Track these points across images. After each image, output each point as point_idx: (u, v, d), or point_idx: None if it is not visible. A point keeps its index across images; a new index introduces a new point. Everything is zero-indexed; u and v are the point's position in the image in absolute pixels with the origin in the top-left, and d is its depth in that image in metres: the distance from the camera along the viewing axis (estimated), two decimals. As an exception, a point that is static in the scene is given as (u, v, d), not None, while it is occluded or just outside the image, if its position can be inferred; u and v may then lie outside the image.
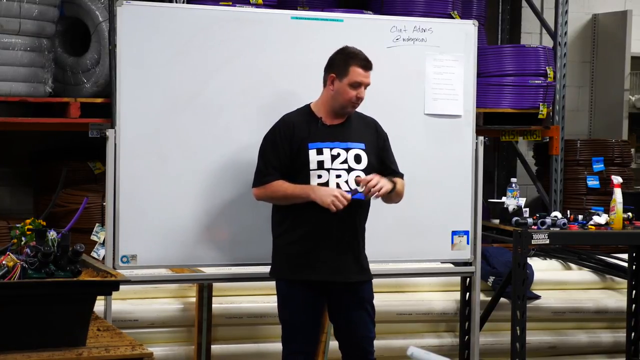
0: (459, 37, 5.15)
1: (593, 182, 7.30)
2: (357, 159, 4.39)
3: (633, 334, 6.08)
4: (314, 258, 4.35)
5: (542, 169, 7.62)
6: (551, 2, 7.49)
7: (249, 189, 4.76)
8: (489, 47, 7.14)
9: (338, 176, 4.34)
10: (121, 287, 3.23)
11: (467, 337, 5.52)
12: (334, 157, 4.36)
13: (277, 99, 4.85)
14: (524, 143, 7.95)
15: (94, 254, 5.52)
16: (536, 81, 6.86)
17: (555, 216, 5.41)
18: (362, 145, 4.41)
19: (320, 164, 4.35)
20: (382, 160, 4.49)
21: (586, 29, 8.38)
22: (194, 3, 5.81)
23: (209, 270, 4.97)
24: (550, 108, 7.02)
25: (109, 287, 3.30)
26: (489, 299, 5.89)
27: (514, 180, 5.57)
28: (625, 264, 6.23)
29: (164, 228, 4.72)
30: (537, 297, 6.10)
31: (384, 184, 4.29)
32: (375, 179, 4.27)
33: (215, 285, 5.37)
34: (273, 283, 5.63)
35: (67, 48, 5.93)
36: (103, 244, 5.09)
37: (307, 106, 4.48)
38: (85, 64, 5.74)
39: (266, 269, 5.03)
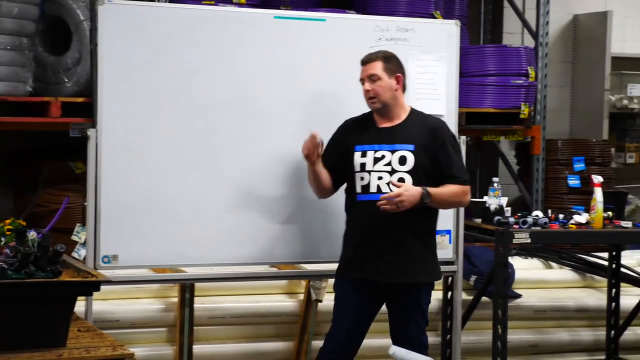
0: (441, 37, 5.16)
1: (574, 182, 7.33)
2: (402, 160, 4.42)
3: (613, 332, 6.11)
4: (357, 257, 4.47)
5: (524, 168, 7.65)
6: (533, 3, 7.52)
7: (232, 188, 4.77)
8: (471, 47, 7.16)
9: (380, 178, 4.42)
10: (102, 287, 3.22)
11: (449, 335, 5.54)
12: (377, 160, 4.44)
13: (260, 99, 4.85)
14: (506, 143, 7.98)
15: (74, 254, 5.48)
16: (518, 81, 6.88)
17: (537, 215, 5.43)
18: (411, 147, 4.43)
19: (363, 166, 4.46)
20: (439, 163, 4.46)
21: (567, 30, 8.42)
22: (176, 2, 5.79)
23: (190, 270, 4.96)
24: (532, 108, 7.05)
25: (90, 287, 3.28)
26: (471, 297, 5.91)
27: (495, 179, 5.58)
28: (606, 263, 6.27)
29: (146, 228, 4.70)
30: (519, 295, 6.12)
31: (402, 200, 4.27)
32: (396, 197, 4.28)
33: (197, 285, 5.36)
34: (255, 283, 5.67)
35: (48, 47, 5.90)
36: (84, 244, 5.07)
37: (370, 111, 4.57)
38: (67, 63, 5.70)
39: (250, 269, 5.05)
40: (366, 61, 4.49)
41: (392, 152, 4.43)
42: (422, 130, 4.48)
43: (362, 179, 4.46)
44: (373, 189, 4.42)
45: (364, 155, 4.46)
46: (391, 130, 4.48)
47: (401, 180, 4.38)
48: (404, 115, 4.52)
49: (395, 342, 4.55)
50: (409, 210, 4.33)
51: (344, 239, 4.60)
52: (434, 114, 5.20)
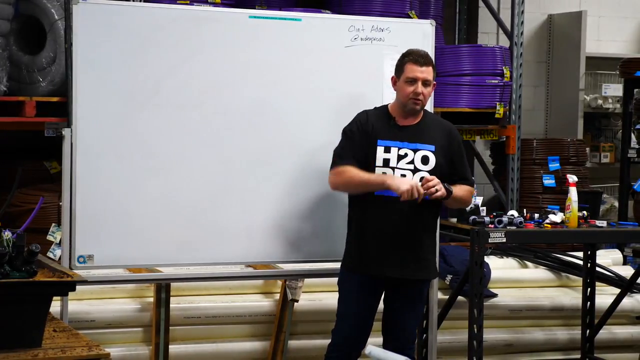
0: (416, 36, 5.17)
1: (549, 181, 7.37)
2: (424, 160, 4.52)
3: (588, 331, 6.14)
4: (374, 253, 4.51)
5: (499, 168, 7.68)
6: (507, 3, 7.55)
7: (207, 188, 4.77)
8: (446, 46, 7.18)
9: (403, 175, 4.49)
10: (78, 287, 3.20)
11: (425, 335, 5.55)
12: (400, 157, 4.51)
13: (235, 99, 4.84)
14: (481, 142, 8.01)
15: (50, 255, 5.46)
16: (493, 81, 6.90)
17: (512, 215, 5.45)
18: (432, 147, 4.53)
19: (386, 162, 4.50)
20: (454, 165, 4.59)
21: (542, 29, 8.46)
22: (151, 2, 5.77)
23: (166, 270, 4.95)
24: (507, 107, 7.08)
25: (65, 287, 3.27)
26: (447, 297, 5.93)
27: (471, 179, 5.60)
28: (581, 262, 6.30)
29: (121, 228, 4.69)
30: (494, 295, 6.14)
31: (440, 188, 4.41)
32: (434, 181, 4.40)
33: (173, 285, 5.35)
34: (231, 283, 5.66)
35: (23, 46, 5.86)
36: (59, 244, 5.05)
37: (385, 106, 4.64)
38: (41, 63, 5.67)
39: (226, 269, 5.05)
40: (423, 63, 4.52)
41: (415, 151, 4.52)
42: (440, 132, 4.60)
43: (383, 174, 4.50)
44: None
45: (387, 151, 4.52)
46: (413, 129, 4.56)
47: (422, 179, 4.46)
48: (420, 114, 4.61)
49: (388, 335, 4.67)
50: (424, 207, 4.46)
51: (354, 234, 4.61)
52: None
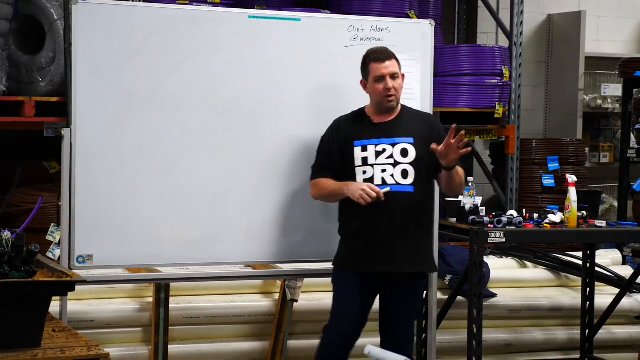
0: (415, 36, 5.18)
1: (548, 181, 7.37)
2: (404, 152, 4.52)
3: (587, 331, 6.14)
4: (367, 250, 4.50)
5: (498, 168, 7.68)
6: (507, 3, 7.56)
7: (206, 187, 4.77)
8: (445, 46, 7.18)
9: (383, 170, 4.50)
10: (77, 287, 3.20)
11: (424, 335, 5.55)
12: (378, 153, 4.51)
13: (234, 99, 4.85)
14: (481, 142, 8.01)
15: (49, 254, 5.46)
16: (492, 81, 6.90)
17: (511, 215, 5.45)
18: (410, 140, 4.54)
19: (364, 161, 4.52)
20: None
21: (541, 29, 8.46)
22: (150, 2, 5.77)
23: (166, 270, 4.95)
24: (506, 107, 7.08)
25: (65, 287, 3.27)
26: (446, 297, 5.93)
27: (470, 179, 5.59)
28: (580, 262, 6.30)
29: (121, 228, 4.69)
30: (494, 295, 6.14)
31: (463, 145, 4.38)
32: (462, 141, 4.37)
33: (173, 285, 5.35)
34: (231, 283, 5.66)
35: (22, 46, 5.86)
36: (59, 244, 5.05)
37: (362, 108, 4.65)
38: (40, 63, 5.67)
39: (225, 269, 5.05)
40: (385, 59, 4.54)
41: (393, 145, 4.52)
42: (419, 124, 4.61)
43: (364, 172, 4.52)
44: (377, 181, 4.49)
45: (364, 149, 4.53)
46: (388, 125, 4.57)
47: (405, 172, 4.47)
48: (397, 110, 4.61)
49: (385, 335, 4.66)
50: (415, 199, 4.47)
51: (346, 232, 4.61)
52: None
